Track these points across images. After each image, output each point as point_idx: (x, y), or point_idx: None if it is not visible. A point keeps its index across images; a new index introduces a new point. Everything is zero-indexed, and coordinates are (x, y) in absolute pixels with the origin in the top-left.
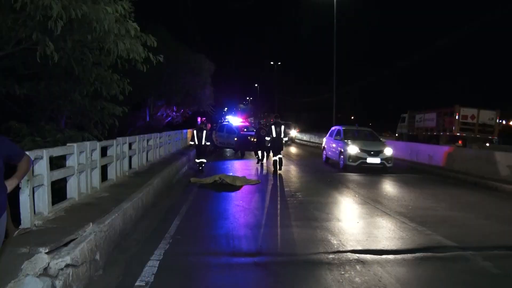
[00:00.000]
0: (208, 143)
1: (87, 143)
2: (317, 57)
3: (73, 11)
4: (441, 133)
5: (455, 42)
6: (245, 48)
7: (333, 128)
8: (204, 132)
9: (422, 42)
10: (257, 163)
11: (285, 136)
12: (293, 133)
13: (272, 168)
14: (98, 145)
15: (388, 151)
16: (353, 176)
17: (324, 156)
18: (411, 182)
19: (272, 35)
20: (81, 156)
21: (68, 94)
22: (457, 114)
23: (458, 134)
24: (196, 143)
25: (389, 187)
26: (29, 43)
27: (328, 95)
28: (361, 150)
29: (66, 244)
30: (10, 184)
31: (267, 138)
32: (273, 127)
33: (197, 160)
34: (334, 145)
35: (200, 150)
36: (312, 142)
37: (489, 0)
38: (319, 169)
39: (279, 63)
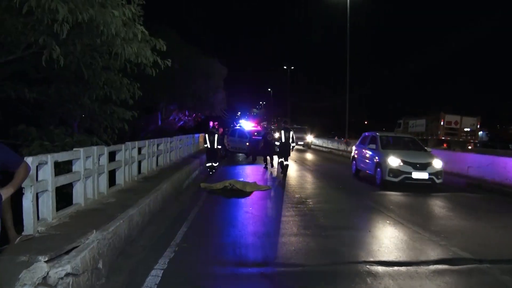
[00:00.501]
0: (219, 147)
1: (94, 148)
2: (330, 61)
3: (79, 15)
4: (429, 137)
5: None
6: (258, 52)
7: (365, 134)
8: (216, 135)
9: (432, 42)
10: (264, 167)
11: (293, 142)
12: (309, 138)
13: (282, 174)
14: (105, 150)
15: (437, 164)
16: (398, 197)
17: (353, 167)
18: (479, 206)
19: (286, 39)
20: (87, 161)
21: (77, 98)
22: (442, 120)
23: (443, 138)
24: (208, 146)
25: (459, 218)
26: (38, 47)
27: (341, 99)
28: (404, 162)
29: (67, 252)
30: (5, 193)
31: (277, 143)
32: (282, 132)
33: (207, 164)
34: (367, 155)
35: (211, 154)
36: (327, 148)
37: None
38: (349, 185)
39: (292, 67)
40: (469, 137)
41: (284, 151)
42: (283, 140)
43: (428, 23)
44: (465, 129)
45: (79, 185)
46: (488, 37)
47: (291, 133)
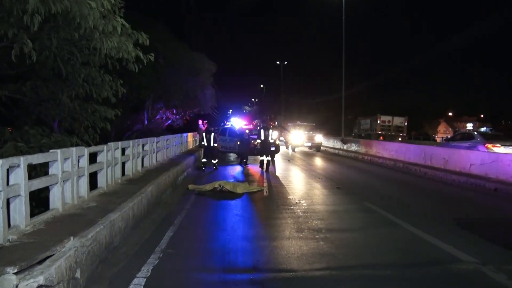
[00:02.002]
0: (216, 145)
1: (73, 149)
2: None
3: (52, 6)
4: (371, 132)
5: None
6: (250, 48)
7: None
8: (213, 134)
9: (440, 37)
10: (244, 164)
11: (273, 143)
12: (319, 138)
13: (275, 174)
14: (86, 151)
15: None
16: None
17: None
18: None
19: (279, 34)
20: (66, 163)
21: (56, 96)
22: (379, 119)
23: (379, 132)
24: (205, 144)
25: None
26: (10, 41)
27: (337, 95)
28: None
29: (40, 262)
30: None
31: (258, 141)
32: (262, 131)
33: (203, 160)
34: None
35: (208, 152)
36: (344, 151)
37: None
38: None
39: (285, 62)
40: (399, 132)
41: (265, 149)
42: (262, 138)
43: (432, 20)
44: (397, 125)
45: (56, 189)
46: (495, 31)
47: (270, 131)
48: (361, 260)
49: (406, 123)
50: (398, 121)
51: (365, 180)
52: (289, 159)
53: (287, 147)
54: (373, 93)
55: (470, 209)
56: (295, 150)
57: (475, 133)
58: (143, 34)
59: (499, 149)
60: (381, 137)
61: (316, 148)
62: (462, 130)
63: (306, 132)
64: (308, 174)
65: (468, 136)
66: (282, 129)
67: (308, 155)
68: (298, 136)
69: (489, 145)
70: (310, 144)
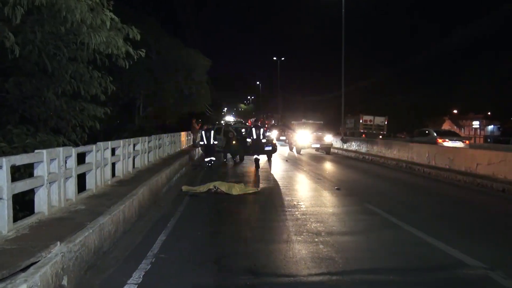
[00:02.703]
0: (215, 142)
1: (60, 149)
2: (324, 51)
3: None
4: (355, 131)
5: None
6: (246, 44)
7: None
8: (212, 132)
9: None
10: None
11: (263, 138)
12: (329, 139)
13: (273, 175)
14: (73, 151)
15: None
16: None
17: None
18: None
19: (276, 29)
20: (52, 164)
21: (41, 93)
22: (361, 119)
23: (362, 131)
24: (205, 143)
25: None
26: None
27: (337, 92)
28: None
29: (24, 269)
30: None
31: (248, 140)
32: (253, 129)
33: (206, 159)
34: (293, 135)
35: (209, 149)
36: (344, 150)
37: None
38: None
39: (282, 58)
40: (380, 131)
41: (257, 147)
42: (254, 137)
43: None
44: (378, 124)
45: (42, 192)
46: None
47: (261, 130)
48: (362, 265)
49: (386, 122)
50: (379, 120)
51: (366, 181)
52: (287, 159)
53: (291, 149)
54: (375, 91)
55: (476, 211)
56: (301, 152)
57: (431, 130)
58: (133, 29)
59: (447, 143)
60: (363, 135)
61: (326, 150)
62: (423, 129)
63: (314, 132)
64: (307, 175)
65: (426, 133)
66: (283, 128)
67: (315, 158)
68: (304, 137)
69: (440, 140)
70: (318, 146)
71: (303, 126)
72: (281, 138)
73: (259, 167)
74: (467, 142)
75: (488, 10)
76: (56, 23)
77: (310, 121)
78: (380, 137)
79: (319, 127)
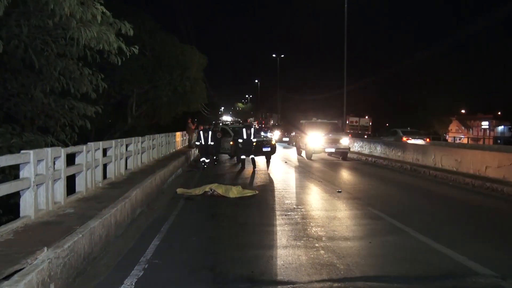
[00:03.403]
0: (212, 143)
1: (48, 150)
2: (325, 49)
3: None
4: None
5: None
6: (245, 41)
7: None
8: (210, 132)
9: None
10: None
11: (255, 138)
12: (346, 141)
13: (271, 178)
14: (62, 151)
15: None
16: None
17: None
18: None
19: (278, 24)
20: (39, 165)
21: (28, 91)
22: (347, 120)
23: (348, 131)
24: (202, 143)
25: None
26: None
27: (339, 91)
28: None
29: (7, 277)
30: None
31: (240, 140)
32: (244, 129)
33: (201, 159)
34: (302, 138)
35: (205, 150)
36: (380, 158)
37: None
38: None
39: (282, 55)
40: (365, 131)
41: (247, 148)
42: (245, 137)
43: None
44: (363, 125)
45: (28, 194)
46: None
47: (252, 129)
48: (365, 271)
49: (370, 123)
50: (364, 121)
51: (369, 184)
52: (287, 160)
53: (299, 153)
54: (379, 89)
55: (486, 216)
56: (312, 158)
57: (398, 130)
58: (126, 24)
59: (410, 141)
60: (350, 135)
61: (342, 155)
62: (393, 129)
63: (327, 133)
64: (307, 177)
65: (393, 133)
66: (286, 128)
67: (331, 165)
68: (316, 139)
69: (405, 138)
70: (333, 150)
71: (315, 126)
72: (284, 139)
73: (255, 167)
74: (427, 139)
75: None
76: (43, 16)
77: (324, 121)
78: (365, 137)
79: (334, 128)
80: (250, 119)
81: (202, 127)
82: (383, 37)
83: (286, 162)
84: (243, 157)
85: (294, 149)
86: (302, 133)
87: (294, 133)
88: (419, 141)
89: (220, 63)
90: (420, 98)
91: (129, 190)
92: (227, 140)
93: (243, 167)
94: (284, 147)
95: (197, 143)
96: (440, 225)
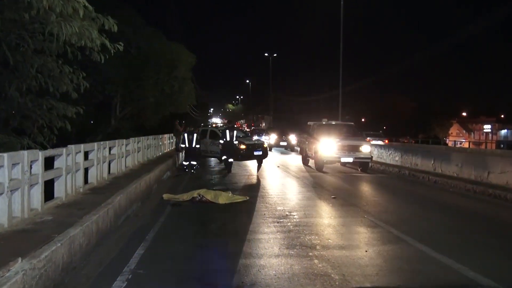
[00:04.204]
0: (198, 146)
1: (24, 153)
2: (321, 49)
3: None
4: None
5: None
6: (236, 40)
7: None
8: (195, 135)
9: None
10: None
11: (236, 140)
12: (367, 149)
13: (264, 183)
14: (40, 155)
15: None
16: None
17: None
18: None
19: (270, 23)
20: (14, 169)
21: (1, 89)
22: (323, 121)
23: None
24: (187, 145)
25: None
26: None
27: (336, 91)
28: None
29: None
30: None
31: (221, 142)
32: (227, 131)
33: (185, 163)
34: (311, 144)
35: (190, 153)
36: (380, 163)
37: None
38: None
39: (275, 54)
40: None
41: (228, 150)
42: (227, 138)
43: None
44: None
45: (1, 201)
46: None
47: (235, 132)
48: (362, 282)
49: None
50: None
51: (366, 190)
52: (286, 169)
53: (305, 162)
54: (375, 90)
55: (489, 224)
56: (324, 170)
57: (363, 132)
58: (110, 19)
59: (371, 142)
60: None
61: (362, 166)
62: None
63: (343, 138)
64: (300, 182)
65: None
66: (283, 131)
67: (350, 181)
68: (328, 145)
69: (367, 139)
70: (350, 159)
71: (327, 129)
72: (281, 143)
73: (230, 171)
74: (386, 141)
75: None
76: (18, 9)
77: (338, 122)
78: None
79: (351, 131)
80: (241, 121)
81: (183, 127)
82: (382, 37)
83: (285, 171)
84: (224, 157)
85: (293, 155)
86: (310, 137)
87: (295, 136)
88: (379, 142)
89: (210, 63)
90: (420, 100)
91: (112, 195)
92: (216, 143)
93: (229, 171)
94: (282, 153)
95: (182, 145)
96: (441, 234)
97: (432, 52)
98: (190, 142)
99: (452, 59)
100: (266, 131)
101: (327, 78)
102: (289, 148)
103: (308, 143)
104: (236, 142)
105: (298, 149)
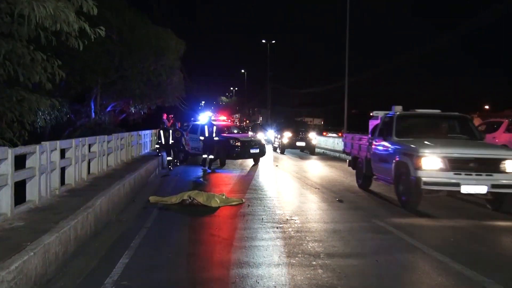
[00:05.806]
0: (172, 141)
1: None
2: (325, 36)
3: None
4: None
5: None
6: (231, 27)
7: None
8: (171, 131)
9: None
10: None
11: (217, 136)
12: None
13: (261, 183)
14: (9, 152)
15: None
16: None
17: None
18: None
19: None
20: None
21: None
22: (304, 119)
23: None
24: (163, 143)
25: None
26: None
27: (339, 83)
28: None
29: None
30: None
31: (201, 138)
32: (206, 127)
33: (168, 159)
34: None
35: (168, 150)
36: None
37: None
38: None
39: (273, 41)
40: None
41: (208, 146)
42: (206, 134)
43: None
44: (317, 124)
45: None
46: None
47: (214, 128)
48: None
49: (322, 123)
50: (317, 121)
51: (375, 191)
52: (320, 188)
53: (359, 177)
54: (387, 81)
55: None
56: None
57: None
58: (89, 0)
59: (328, 134)
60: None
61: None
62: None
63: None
64: (301, 182)
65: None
66: (296, 127)
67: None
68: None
69: (324, 133)
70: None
71: (416, 123)
72: (298, 144)
73: (209, 170)
74: (340, 134)
75: None
76: None
77: (435, 112)
78: (324, 134)
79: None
80: (236, 115)
81: (179, 124)
82: (393, 24)
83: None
84: (204, 156)
85: (313, 161)
86: (379, 139)
87: (315, 134)
88: (334, 134)
89: (202, 51)
90: (437, 91)
91: (93, 198)
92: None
93: (209, 168)
94: (301, 157)
95: (159, 141)
96: (459, 242)
97: (450, 38)
98: (167, 139)
99: (472, 46)
100: (280, 128)
101: (332, 69)
102: (308, 151)
103: (373, 147)
104: (216, 139)
105: (348, 159)
